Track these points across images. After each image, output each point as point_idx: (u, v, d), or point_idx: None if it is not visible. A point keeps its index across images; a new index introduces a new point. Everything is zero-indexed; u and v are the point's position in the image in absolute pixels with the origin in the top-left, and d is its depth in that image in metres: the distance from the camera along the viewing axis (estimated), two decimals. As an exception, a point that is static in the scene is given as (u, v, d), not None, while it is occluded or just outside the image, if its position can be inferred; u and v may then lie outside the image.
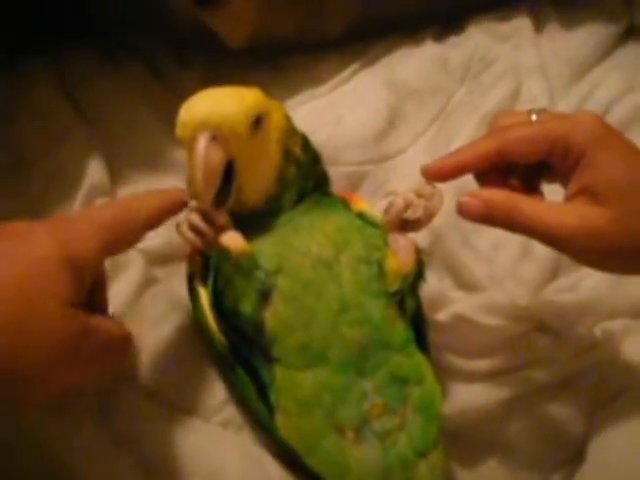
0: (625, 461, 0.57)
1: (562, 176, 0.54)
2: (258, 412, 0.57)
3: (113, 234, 0.49)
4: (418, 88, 0.79)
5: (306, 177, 0.60)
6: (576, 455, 0.62)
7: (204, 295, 0.58)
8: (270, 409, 0.56)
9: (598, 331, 0.65)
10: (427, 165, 0.55)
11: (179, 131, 0.53)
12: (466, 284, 0.69)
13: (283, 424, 0.55)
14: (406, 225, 0.57)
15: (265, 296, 0.54)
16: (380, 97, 0.77)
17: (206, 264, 0.58)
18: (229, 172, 0.54)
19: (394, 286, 0.55)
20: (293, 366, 0.54)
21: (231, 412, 0.61)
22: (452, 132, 0.77)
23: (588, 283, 0.68)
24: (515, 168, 0.55)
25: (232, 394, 0.61)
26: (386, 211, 0.58)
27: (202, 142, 0.51)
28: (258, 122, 0.54)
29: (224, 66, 0.80)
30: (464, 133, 0.76)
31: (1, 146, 0.71)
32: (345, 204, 0.62)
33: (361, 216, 0.61)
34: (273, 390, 0.55)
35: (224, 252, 0.54)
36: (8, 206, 0.67)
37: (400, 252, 0.56)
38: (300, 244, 0.56)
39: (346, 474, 0.53)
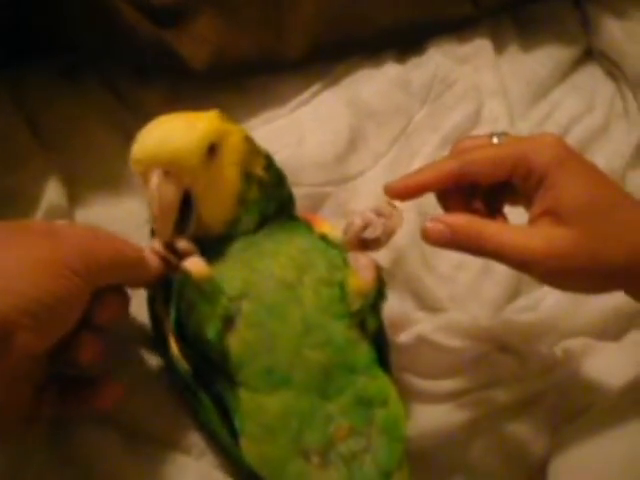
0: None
1: (525, 198, 0.54)
2: (221, 437, 0.57)
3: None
4: (379, 109, 0.79)
5: (269, 199, 0.59)
6: (538, 474, 0.62)
7: (165, 319, 0.57)
8: (234, 434, 0.55)
9: (559, 350, 0.66)
10: (389, 184, 0.56)
11: (132, 166, 0.53)
12: (428, 305, 0.69)
13: (247, 449, 0.54)
14: (365, 244, 0.57)
15: (229, 321, 0.54)
16: (341, 118, 0.77)
17: (167, 289, 0.57)
18: (188, 200, 0.54)
19: (355, 305, 0.55)
20: (258, 390, 0.53)
21: (193, 438, 0.60)
22: (413, 153, 0.77)
23: (548, 302, 0.69)
24: (478, 189, 0.56)
25: (194, 420, 0.60)
26: (345, 231, 0.58)
27: (155, 179, 0.51)
28: (212, 150, 0.54)
29: (185, 86, 0.79)
30: (425, 154, 0.77)
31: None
32: (308, 226, 0.62)
33: (324, 238, 0.61)
34: (237, 415, 0.54)
35: (186, 277, 0.53)
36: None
37: (360, 270, 0.56)
38: (264, 267, 0.56)
39: None
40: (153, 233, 0.60)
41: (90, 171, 0.73)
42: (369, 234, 0.57)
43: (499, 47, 0.86)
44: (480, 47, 0.85)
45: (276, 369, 0.53)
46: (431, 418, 0.62)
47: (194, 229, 0.55)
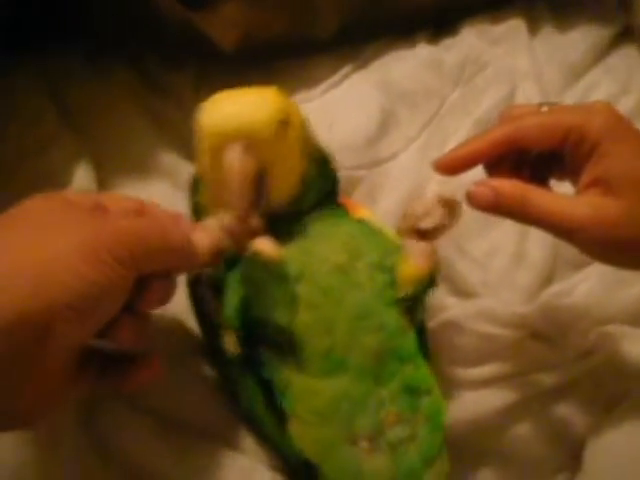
0: (622, 466, 0.57)
1: (573, 170, 0.53)
2: (265, 422, 0.57)
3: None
4: (411, 91, 0.78)
5: (325, 176, 0.60)
6: (573, 462, 0.61)
7: (211, 301, 0.57)
8: (279, 420, 0.55)
9: (593, 337, 0.65)
10: (438, 159, 0.54)
11: (205, 141, 0.52)
12: (460, 291, 0.68)
13: (297, 433, 0.53)
14: (421, 233, 0.56)
15: (294, 303, 0.53)
16: (372, 100, 0.76)
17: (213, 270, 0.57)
18: (260, 176, 0.52)
19: (406, 292, 0.54)
20: (313, 374, 0.53)
21: (233, 430, 0.60)
22: (445, 136, 0.76)
23: (582, 288, 0.68)
24: (525, 162, 0.55)
25: (236, 408, 0.60)
26: (404, 216, 0.56)
27: (234, 153, 0.50)
28: (284, 125, 0.53)
29: (215, 69, 0.79)
30: (457, 137, 0.76)
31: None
32: (345, 211, 0.62)
33: (362, 222, 0.60)
34: (287, 399, 0.54)
35: (256, 257, 0.52)
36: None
37: (416, 257, 0.54)
38: (318, 251, 0.55)
39: None
40: (196, 214, 0.59)
41: (119, 154, 0.73)
42: (427, 224, 0.55)
43: (533, 28, 0.85)
44: (514, 28, 0.83)
45: (333, 352, 0.53)
46: (464, 405, 0.62)
47: (264, 207, 0.54)
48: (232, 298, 0.55)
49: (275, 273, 0.52)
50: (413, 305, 0.55)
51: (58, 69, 0.76)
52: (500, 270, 0.70)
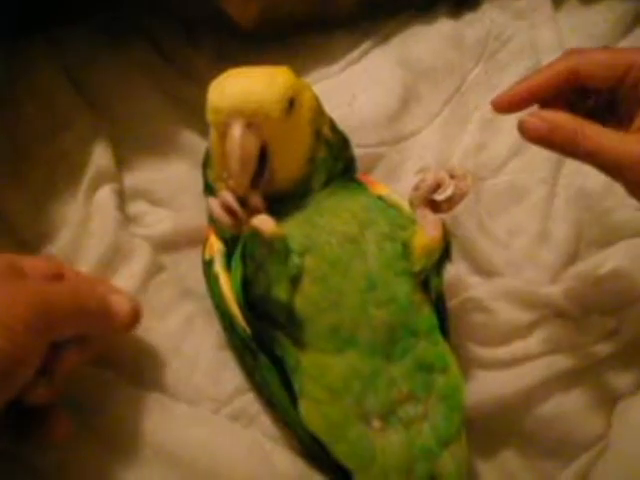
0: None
1: (628, 111, 0.52)
2: (279, 400, 0.56)
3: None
4: (432, 67, 0.77)
5: (336, 159, 0.59)
6: (595, 444, 0.61)
7: (225, 280, 0.57)
8: (292, 398, 0.55)
9: (619, 316, 0.64)
10: (496, 98, 0.54)
11: (211, 116, 0.53)
12: (483, 269, 0.68)
13: (308, 411, 0.53)
14: (434, 205, 0.55)
15: (296, 280, 0.53)
16: (393, 77, 0.75)
17: (227, 249, 0.57)
18: (262, 155, 0.53)
19: (420, 263, 0.54)
20: (322, 351, 0.53)
21: (241, 405, 0.60)
22: (467, 112, 0.75)
23: (607, 267, 0.66)
24: (580, 105, 0.54)
25: (251, 383, 0.60)
26: (416, 187, 0.56)
27: (237, 129, 0.51)
28: (291, 104, 0.53)
29: (233, 46, 0.78)
30: (480, 113, 0.74)
31: (1, 131, 0.69)
32: (365, 187, 0.62)
33: (382, 199, 0.60)
34: (298, 377, 0.54)
35: (256, 234, 0.52)
36: (10, 194, 0.66)
37: (428, 227, 0.54)
38: (325, 223, 0.55)
39: (371, 463, 0.52)
40: (209, 191, 0.60)
41: (137, 133, 0.73)
42: (439, 195, 0.55)
43: (557, 1, 0.83)
44: (538, 1, 0.81)
45: (342, 328, 0.53)
46: (486, 385, 0.62)
47: (265, 186, 0.54)
48: (235, 276, 0.55)
49: (275, 250, 0.52)
50: (428, 278, 0.55)
51: (74, 48, 0.75)
52: (523, 249, 0.69)
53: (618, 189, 0.67)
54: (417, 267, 0.54)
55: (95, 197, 0.67)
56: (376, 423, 0.52)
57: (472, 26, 0.80)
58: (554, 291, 0.65)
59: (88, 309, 0.51)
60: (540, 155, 0.71)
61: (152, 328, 0.60)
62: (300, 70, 0.76)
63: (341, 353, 0.53)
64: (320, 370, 0.53)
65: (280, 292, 0.53)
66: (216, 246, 0.58)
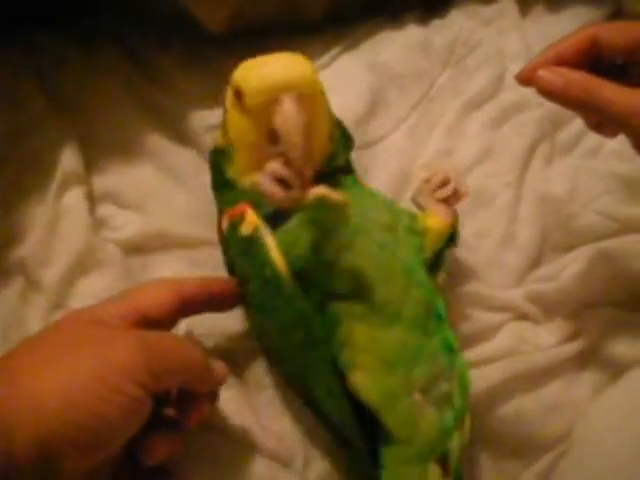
0: (612, 446, 0.56)
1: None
2: (324, 377, 0.55)
3: None
4: (400, 73, 0.77)
5: (347, 137, 0.63)
6: (557, 444, 0.61)
7: (276, 253, 0.54)
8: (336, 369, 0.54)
9: (580, 320, 0.65)
10: (521, 71, 0.54)
11: (253, 99, 0.53)
12: (448, 272, 0.68)
13: (362, 382, 0.53)
14: (440, 200, 0.61)
15: (358, 250, 0.55)
16: (362, 81, 0.76)
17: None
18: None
19: (432, 250, 0.59)
20: (373, 324, 0.54)
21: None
22: (435, 118, 0.76)
23: (570, 271, 0.67)
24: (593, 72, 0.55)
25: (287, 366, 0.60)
26: (427, 181, 0.61)
27: (291, 103, 0.51)
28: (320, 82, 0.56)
29: (203, 50, 0.78)
30: (447, 119, 0.75)
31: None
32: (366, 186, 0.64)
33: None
34: (348, 350, 0.54)
35: (323, 202, 0.50)
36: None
37: (440, 214, 0.59)
38: (366, 209, 0.57)
39: (416, 435, 0.53)
40: (223, 189, 0.60)
41: (106, 136, 0.73)
42: (441, 194, 0.60)
43: (524, 8, 0.84)
44: (505, 8, 0.82)
45: (390, 303, 0.54)
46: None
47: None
48: (301, 243, 0.55)
49: (342, 218, 0.53)
50: (435, 264, 0.59)
51: (46, 52, 0.75)
52: (488, 252, 0.70)
53: (582, 194, 0.69)
54: (428, 253, 0.58)
55: (64, 199, 0.67)
56: (417, 396, 0.53)
57: (440, 32, 0.81)
58: (518, 294, 0.66)
59: (196, 360, 0.50)
60: (505, 160, 0.73)
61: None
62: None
63: (389, 327, 0.54)
64: (373, 342, 0.53)
65: (349, 260, 0.54)
66: (256, 222, 0.55)
